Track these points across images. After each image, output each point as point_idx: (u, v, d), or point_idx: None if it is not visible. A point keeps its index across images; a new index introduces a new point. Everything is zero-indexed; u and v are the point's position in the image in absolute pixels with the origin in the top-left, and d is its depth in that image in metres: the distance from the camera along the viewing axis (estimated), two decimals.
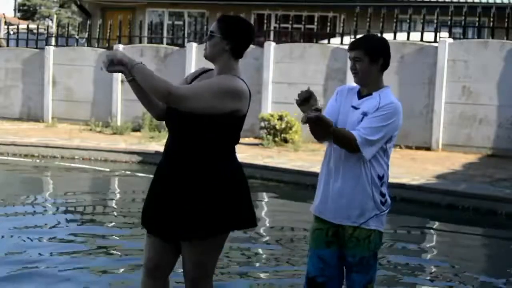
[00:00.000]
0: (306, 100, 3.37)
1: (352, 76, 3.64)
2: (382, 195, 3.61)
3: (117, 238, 6.93)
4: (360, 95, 3.63)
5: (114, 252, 6.33)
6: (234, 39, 3.51)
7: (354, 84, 3.71)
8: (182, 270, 3.65)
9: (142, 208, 3.67)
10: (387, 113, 3.52)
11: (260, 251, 6.61)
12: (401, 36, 13.98)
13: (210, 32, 3.51)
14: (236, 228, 3.63)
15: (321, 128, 3.41)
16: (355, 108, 3.59)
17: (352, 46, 3.62)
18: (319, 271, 3.64)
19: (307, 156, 11.62)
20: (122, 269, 5.72)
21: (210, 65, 3.64)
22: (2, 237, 6.61)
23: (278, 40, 15.19)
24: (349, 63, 3.69)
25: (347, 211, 3.57)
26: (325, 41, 14.89)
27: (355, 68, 3.59)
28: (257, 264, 6.11)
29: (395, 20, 13.90)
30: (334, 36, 15.29)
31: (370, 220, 3.57)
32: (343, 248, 3.64)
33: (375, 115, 3.51)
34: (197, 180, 3.43)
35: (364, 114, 3.54)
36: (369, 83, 3.61)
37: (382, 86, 3.64)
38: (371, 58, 3.57)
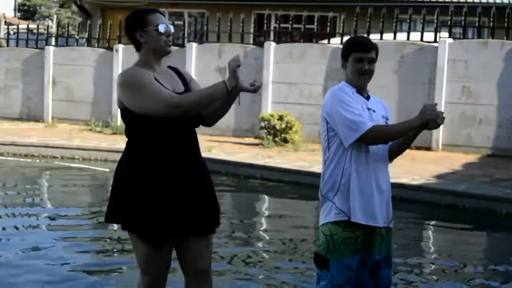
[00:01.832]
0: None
1: (361, 77, 3.53)
2: None
3: (116, 237, 6.93)
4: (364, 97, 3.60)
5: (113, 252, 6.33)
6: None
7: (336, 85, 3.68)
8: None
9: (151, 219, 3.40)
10: None
11: (260, 250, 6.61)
12: (401, 36, 13.98)
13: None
14: None
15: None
16: (373, 110, 3.56)
17: (370, 47, 3.54)
18: (346, 279, 3.55)
19: (307, 156, 11.62)
20: (120, 263, 5.73)
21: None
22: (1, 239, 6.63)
23: (278, 40, 15.19)
24: None
25: (388, 212, 3.59)
26: (325, 41, 14.89)
27: (369, 69, 3.54)
28: (257, 264, 6.10)
29: (395, 20, 13.90)
30: (334, 36, 15.29)
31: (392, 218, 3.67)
32: (369, 251, 3.57)
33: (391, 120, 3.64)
34: (207, 173, 3.61)
35: (385, 118, 3.62)
36: None
37: None
38: (376, 59, 3.60)
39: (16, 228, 7.08)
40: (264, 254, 6.44)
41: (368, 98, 3.61)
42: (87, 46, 17.15)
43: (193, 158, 3.52)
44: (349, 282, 3.55)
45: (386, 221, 3.60)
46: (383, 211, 3.57)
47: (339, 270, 3.54)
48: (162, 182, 3.41)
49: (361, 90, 3.60)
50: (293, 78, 14.03)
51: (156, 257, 3.51)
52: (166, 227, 3.41)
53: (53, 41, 18.11)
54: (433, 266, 6.30)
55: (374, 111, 3.55)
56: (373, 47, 3.57)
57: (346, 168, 3.51)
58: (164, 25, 3.45)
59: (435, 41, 13.30)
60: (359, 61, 3.53)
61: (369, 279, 3.62)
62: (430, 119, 3.36)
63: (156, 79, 3.43)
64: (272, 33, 16.65)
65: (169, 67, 3.67)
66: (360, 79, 3.56)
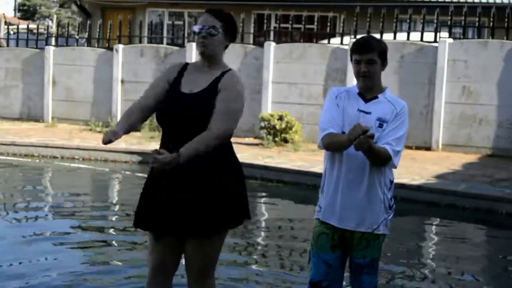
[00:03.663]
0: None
1: (361, 79, 3.55)
2: (391, 199, 3.65)
3: (116, 238, 6.94)
4: (365, 98, 3.60)
5: (113, 251, 6.33)
6: (233, 35, 3.63)
7: (344, 86, 3.70)
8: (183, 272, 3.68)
9: (140, 212, 3.61)
10: (405, 118, 3.57)
11: (259, 250, 6.61)
12: (401, 36, 13.98)
13: (215, 28, 3.50)
14: (240, 223, 3.68)
15: (364, 151, 3.41)
16: (366, 112, 3.54)
17: (367, 49, 3.53)
18: (323, 275, 3.63)
19: (307, 156, 11.62)
20: (121, 263, 5.72)
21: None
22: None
23: (278, 40, 15.18)
24: (349, 63, 3.66)
25: (362, 217, 3.56)
26: (325, 41, 14.89)
27: (369, 71, 3.52)
28: (256, 263, 6.10)
29: (395, 20, 13.90)
30: (334, 36, 15.28)
31: (380, 225, 3.61)
32: (350, 251, 3.63)
33: (397, 124, 3.53)
34: (212, 176, 3.47)
35: (381, 120, 3.53)
36: (376, 85, 3.60)
37: (383, 88, 3.64)
38: (382, 60, 3.57)
39: (16, 228, 7.07)
40: (263, 255, 6.45)
41: (372, 99, 3.59)
42: (87, 46, 17.13)
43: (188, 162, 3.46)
44: (327, 278, 3.62)
45: (364, 226, 3.58)
46: (359, 216, 3.55)
47: (317, 264, 3.65)
48: (152, 177, 3.57)
49: (365, 91, 3.59)
50: (293, 78, 14.03)
51: (153, 251, 3.63)
52: (146, 220, 3.57)
53: (53, 41, 18.10)
54: (432, 266, 6.29)
55: (368, 113, 3.54)
56: (372, 48, 3.53)
57: (325, 169, 3.68)
58: (196, 27, 3.52)
59: (435, 41, 13.30)
60: (356, 63, 3.55)
61: (353, 280, 3.66)
62: (351, 137, 3.33)
63: (182, 74, 3.60)
64: (272, 33, 16.64)
65: (225, 71, 3.61)
66: (359, 81, 3.58)
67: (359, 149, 3.34)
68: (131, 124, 3.58)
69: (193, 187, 3.46)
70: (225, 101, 3.48)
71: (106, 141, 3.43)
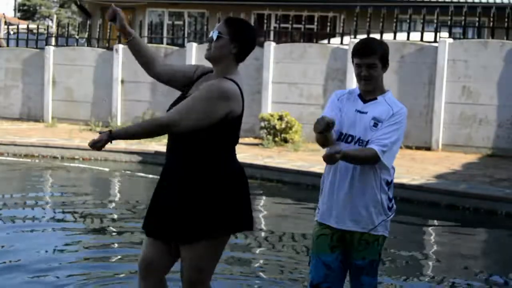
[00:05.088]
0: (326, 127, 3.33)
1: (362, 82, 3.55)
2: (390, 200, 3.64)
3: (117, 237, 6.93)
4: (364, 99, 3.60)
5: (113, 251, 6.33)
6: (242, 43, 3.50)
7: (344, 86, 3.71)
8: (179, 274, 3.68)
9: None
10: (401, 119, 3.54)
11: (259, 250, 6.61)
12: (401, 36, 13.98)
13: (218, 33, 3.45)
14: (235, 232, 3.66)
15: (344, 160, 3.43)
16: (362, 112, 3.55)
17: (368, 52, 3.50)
18: (323, 277, 3.62)
19: (307, 156, 11.61)
20: (121, 272, 5.72)
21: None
22: None
23: (278, 40, 15.19)
24: (349, 63, 3.67)
25: (357, 217, 3.56)
26: (325, 41, 14.89)
27: (369, 75, 3.51)
28: (256, 263, 6.10)
29: (395, 20, 13.90)
30: (334, 36, 15.29)
31: (378, 226, 3.60)
32: (349, 252, 3.63)
33: (391, 123, 3.50)
34: (198, 183, 3.44)
35: (376, 120, 3.52)
36: (377, 88, 3.59)
37: (384, 90, 3.64)
38: (383, 64, 3.56)
39: (16, 229, 7.07)
40: (263, 256, 6.45)
41: (370, 100, 3.59)
42: (87, 46, 17.14)
43: (174, 166, 3.53)
44: (326, 280, 3.61)
45: (359, 227, 3.59)
46: (355, 216, 3.56)
47: (316, 266, 3.64)
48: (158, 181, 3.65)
49: (365, 93, 3.60)
50: (293, 78, 14.03)
51: (144, 247, 3.65)
52: (145, 221, 3.63)
53: (53, 41, 18.10)
54: (432, 267, 6.29)
55: (364, 113, 3.55)
56: (372, 51, 3.51)
57: (326, 169, 3.68)
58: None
59: (435, 41, 13.30)
60: (357, 66, 3.54)
61: (353, 281, 3.67)
62: (315, 131, 3.37)
63: (198, 79, 3.63)
64: (272, 33, 16.65)
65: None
66: (360, 84, 3.59)
67: (330, 163, 3.38)
68: (143, 47, 3.63)
69: (177, 192, 3.46)
70: (190, 96, 3.44)
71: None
